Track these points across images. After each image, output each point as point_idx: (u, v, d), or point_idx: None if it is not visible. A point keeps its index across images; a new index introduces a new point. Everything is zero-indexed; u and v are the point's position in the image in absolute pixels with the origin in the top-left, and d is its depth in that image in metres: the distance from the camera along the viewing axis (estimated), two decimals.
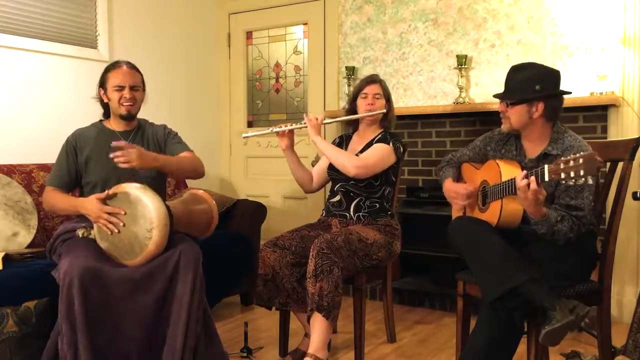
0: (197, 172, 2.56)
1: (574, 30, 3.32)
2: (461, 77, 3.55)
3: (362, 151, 2.77)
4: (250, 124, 4.58)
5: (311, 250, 2.39)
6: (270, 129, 2.80)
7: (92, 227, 2.24)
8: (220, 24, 4.60)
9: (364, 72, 3.96)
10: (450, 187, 2.44)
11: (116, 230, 2.15)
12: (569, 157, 1.77)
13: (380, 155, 2.69)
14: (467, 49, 3.62)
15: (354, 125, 2.95)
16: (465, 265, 2.22)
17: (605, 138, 3.18)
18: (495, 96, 2.30)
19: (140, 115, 2.61)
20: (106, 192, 2.20)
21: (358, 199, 2.73)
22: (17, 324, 2.19)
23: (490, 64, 3.57)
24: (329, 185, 2.95)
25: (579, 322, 1.91)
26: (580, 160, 1.74)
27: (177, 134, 2.64)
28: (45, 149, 3.17)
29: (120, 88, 2.43)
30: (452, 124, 3.67)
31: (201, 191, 2.55)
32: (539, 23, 3.42)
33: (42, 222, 2.88)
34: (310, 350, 2.35)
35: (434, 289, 3.56)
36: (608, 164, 2.32)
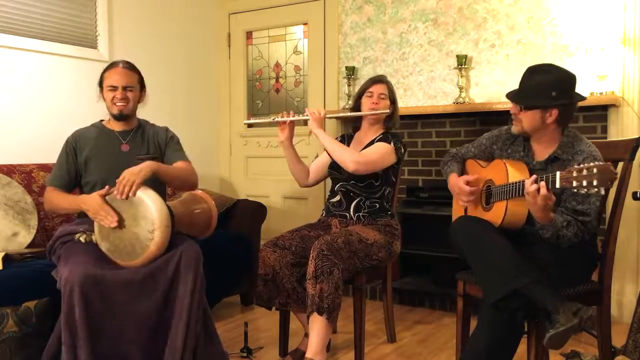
0: (189, 185, 2.52)
1: (574, 30, 3.32)
2: (461, 77, 3.55)
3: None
4: (250, 124, 4.58)
5: (311, 251, 2.39)
6: (273, 117, 2.82)
7: (91, 231, 2.24)
8: (220, 24, 4.60)
9: (364, 72, 3.97)
10: (455, 182, 2.41)
11: (115, 224, 2.14)
12: (582, 166, 1.74)
13: (381, 153, 2.69)
14: (467, 49, 3.62)
15: (356, 124, 2.95)
16: (466, 265, 2.22)
17: (605, 138, 3.18)
18: (507, 96, 2.22)
19: (140, 116, 2.61)
20: (107, 187, 2.21)
21: (358, 199, 2.73)
22: (17, 324, 2.19)
23: (490, 64, 3.57)
24: (329, 186, 2.95)
25: (582, 325, 1.90)
26: (595, 170, 1.71)
27: (178, 140, 2.62)
28: (45, 149, 3.17)
29: (114, 88, 2.45)
30: (452, 124, 3.67)
31: (200, 191, 2.55)
32: (539, 23, 3.42)
33: (42, 222, 2.88)
34: (308, 354, 2.34)
35: (434, 289, 3.56)
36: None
